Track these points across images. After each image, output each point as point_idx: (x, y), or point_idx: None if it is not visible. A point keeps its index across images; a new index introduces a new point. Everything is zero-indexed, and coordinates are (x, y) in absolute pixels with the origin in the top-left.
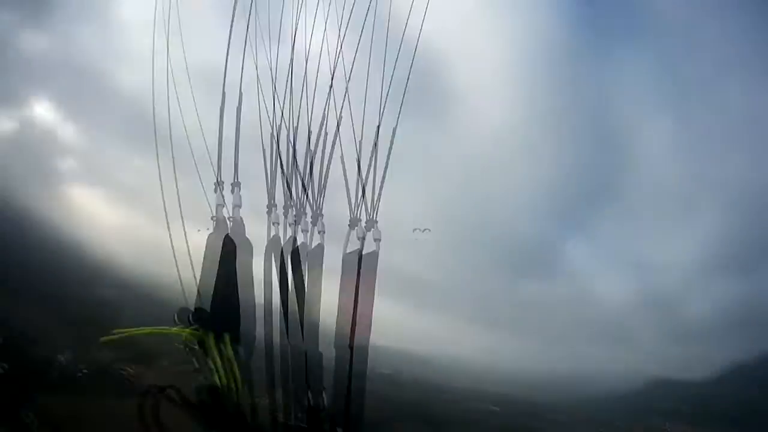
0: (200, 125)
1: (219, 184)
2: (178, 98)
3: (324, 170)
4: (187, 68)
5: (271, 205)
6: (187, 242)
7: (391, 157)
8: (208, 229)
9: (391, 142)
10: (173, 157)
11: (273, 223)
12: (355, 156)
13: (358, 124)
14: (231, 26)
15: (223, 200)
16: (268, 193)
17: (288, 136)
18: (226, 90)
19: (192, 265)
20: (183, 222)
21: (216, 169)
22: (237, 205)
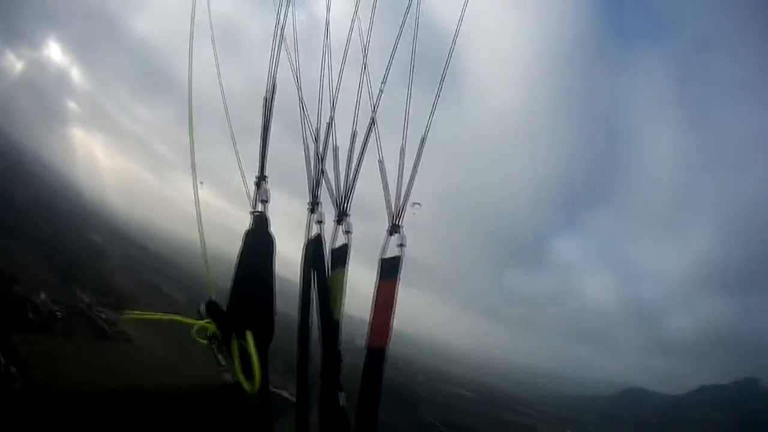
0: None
1: (263, 178)
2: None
3: (354, 170)
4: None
5: (313, 203)
6: (197, 201)
7: (419, 167)
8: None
9: (419, 155)
10: (191, 112)
11: (317, 222)
12: (380, 159)
13: (386, 128)
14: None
15: (267, 195)
16: (309, 191)
17: (323, 133)
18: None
19: (201, 230)
20: (195, 178)
21: (260, 163)
22: (264, 200)
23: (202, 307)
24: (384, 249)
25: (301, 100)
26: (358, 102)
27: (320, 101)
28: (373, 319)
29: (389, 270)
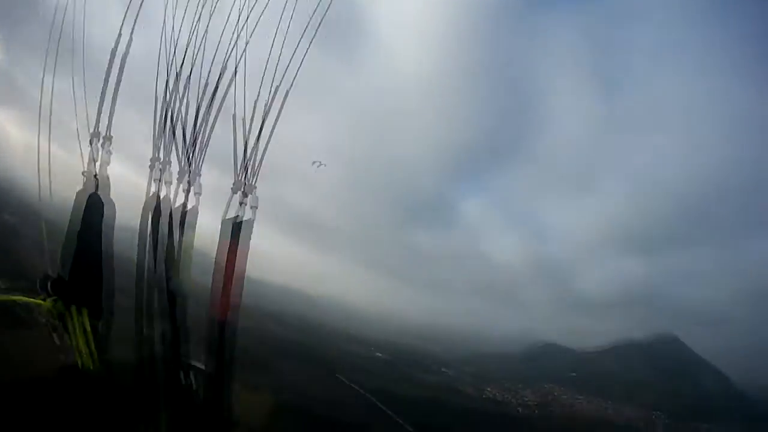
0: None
1: (96, 135)
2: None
3: (209, 128)
4: None
5: (154, 160)
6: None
7: (279, 121)
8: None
9: (280, 111)
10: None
11: (155, 180)
12: (246, 116)
13: (253, 85)
14: None
15: (96, 155)
16: (154, 147)
17: (178, 86)
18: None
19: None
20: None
21: (94, 119)
22: (106, 162)
23: (44, 284)
24: (241, 212)
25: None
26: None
27: (183, 53)
28: (216, 288)
29: (236, 233)
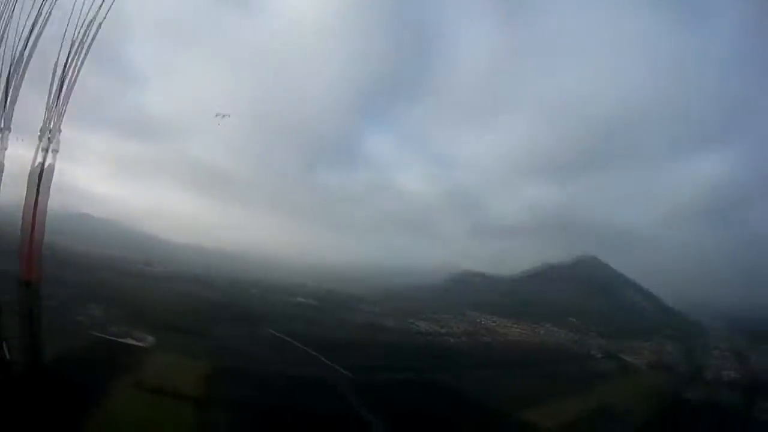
0: None
1: None
2: None
3: (19, 73)
4: None
5: None
6: None
7: (87, 56)
8: None
9: (88, 48)
10: None
11: None
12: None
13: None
14: None
15: None
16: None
17: None
18: None
19: None
20: None
21: None
22: None
23: None
24: (43, 159)
25: None
26: None
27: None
28: (22, 246)
29: (39, 181)
